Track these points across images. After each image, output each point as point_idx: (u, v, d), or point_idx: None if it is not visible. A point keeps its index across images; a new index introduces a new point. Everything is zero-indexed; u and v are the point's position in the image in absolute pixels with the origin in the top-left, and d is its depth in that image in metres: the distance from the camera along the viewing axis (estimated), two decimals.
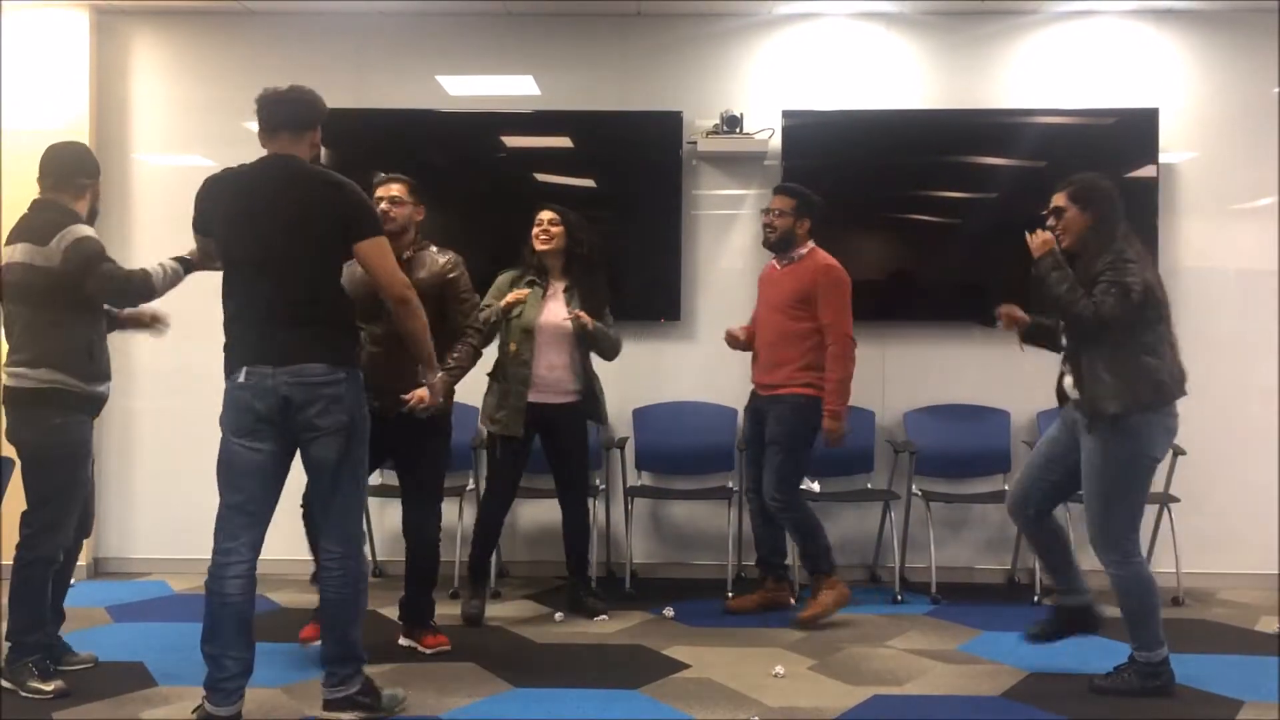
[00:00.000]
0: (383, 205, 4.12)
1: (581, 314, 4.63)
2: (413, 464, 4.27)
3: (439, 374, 3.71)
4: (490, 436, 4.74)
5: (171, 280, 3.81)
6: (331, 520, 3.44)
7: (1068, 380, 3.86)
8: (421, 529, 4.28)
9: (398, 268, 3.43)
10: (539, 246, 4.70)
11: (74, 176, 3.88)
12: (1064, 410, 3.95)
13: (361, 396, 3.39)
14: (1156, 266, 3.77)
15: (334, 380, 3.28)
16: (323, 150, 5.52)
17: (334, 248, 3.32)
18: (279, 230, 3.29)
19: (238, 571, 3.31)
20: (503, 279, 4.77)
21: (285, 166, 3.38)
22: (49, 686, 3.68)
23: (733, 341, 4.90)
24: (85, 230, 3.75)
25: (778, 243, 4.76)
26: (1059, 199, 3.85)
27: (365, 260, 3.32)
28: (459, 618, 4.64)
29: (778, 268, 4.82)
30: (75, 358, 3.70)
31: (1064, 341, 3.88)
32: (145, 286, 3.76)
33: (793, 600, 4.97)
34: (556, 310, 4.68)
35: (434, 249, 4.29)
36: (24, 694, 3.66)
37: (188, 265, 3.83)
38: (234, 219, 3.37)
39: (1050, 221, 3.85)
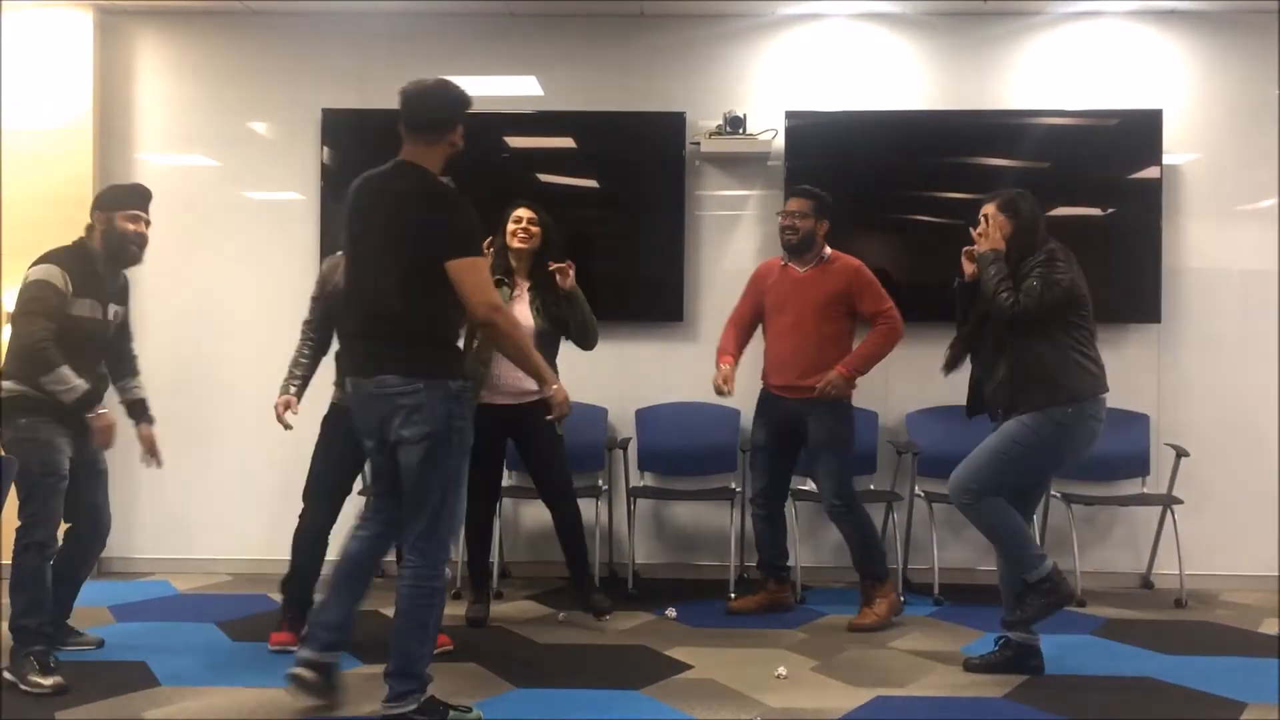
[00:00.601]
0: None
1: (569, 271, 4.55)
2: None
3: (556, 384, 3.68)
4: None
5: (54, 385, 3.82)
6: (414, 529, 3.36)
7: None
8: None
9: (485, 288, 3.34)
10: (515, 244, 4.58)
11: (93, 210, 4.06)
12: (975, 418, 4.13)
13: (453, 408, 3.32)
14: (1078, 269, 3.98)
15: (410, 391, 3.27)
16: (326, 150, 5.60)
17: (423, 263, 3.27)
18: (372, 243, 3.36)
19: (359, 535, 3.57)
20: None
21: (397, 176, 3.40)
22: (48, 681, 3.73)
23: (720, 388, 4.76)
24: (39, 273, 3.89)
25: (799, 244, 4.75)
26: (987, 209, 4.05)
27: (453, 279, 3.26)
28: (461, 619, 4.63)
29: (798, 270, 4.79)
30: (34, 372, 3.83)
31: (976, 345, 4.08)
32: (31, 354, 3.83)
33: (793, 602, 4.98)
34: (522, 312, 4.53)
35: None
36: (24, 687, 3.72)
37: (77, 403, 3.85)
38: (346, 227, 3.48)
39: (979, 229, 4.05)
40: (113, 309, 4.11)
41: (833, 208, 4.80)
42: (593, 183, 5.74)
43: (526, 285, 4.64)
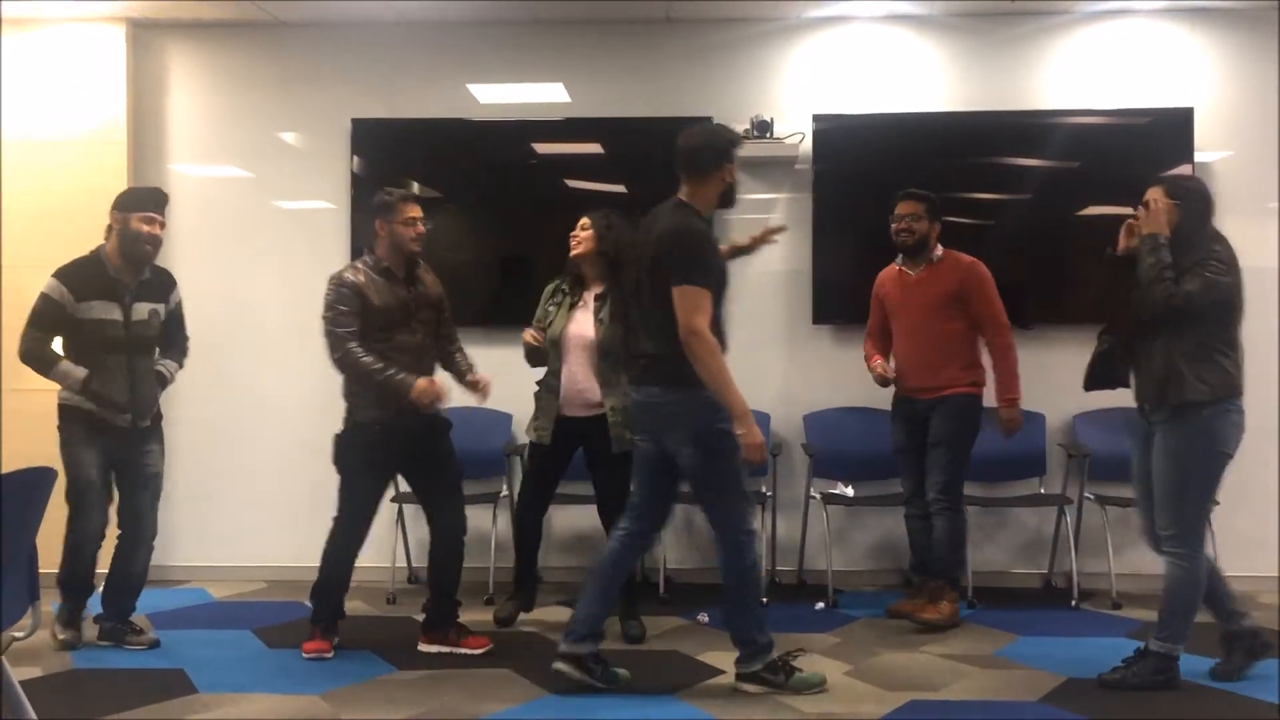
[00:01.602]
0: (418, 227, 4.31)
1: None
2: (443, 467, 4.37)
3: (745, 426, 3.65)
4: (529, 444, 4.73)
5: (59, 380, 4.28)
6: (711, 524, 3.87)
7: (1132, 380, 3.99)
8: (461, 528, 4.40)
9: (689, 313, 3.60)
10: (571, 254, 4.62)
11: (111, 210, 4.35)
12: (1131, 426, 4.07)
13: (713, 412, 3.64)
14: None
15: (669, 400, 3.70)
16: (355, 160, 5.65)
17: (666, 288, 3.65)
18: (642, 269, 3.80)
19: (619, 533, 3.93)
20: (547, 290, 4.70)
21: (664, 212, 3.82)
22: (62, 635, 4.33)
23: (878, 379, 4.84)
24: (44, 286, 4.26)
25: (915, 246, 4.78)
26: (1152, 192, 3.90)
27: (674, 302, 3.62)
28: (488, 622, 4.67)
29: (910, 273, 4.82)
30: (87, 393, 4.26)
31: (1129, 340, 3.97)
32: (28, 359, 4.27)
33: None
34: (583, 320, 4.52)
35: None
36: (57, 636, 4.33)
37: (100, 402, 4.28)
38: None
39: (1138, 212, 3.91)
40: (146, 307, 4.34)
41: (942, 209, 4.86)
42: (620, 188, 5.75)
43: (594, 293, 4.57)
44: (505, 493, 5.38)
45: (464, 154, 5.67)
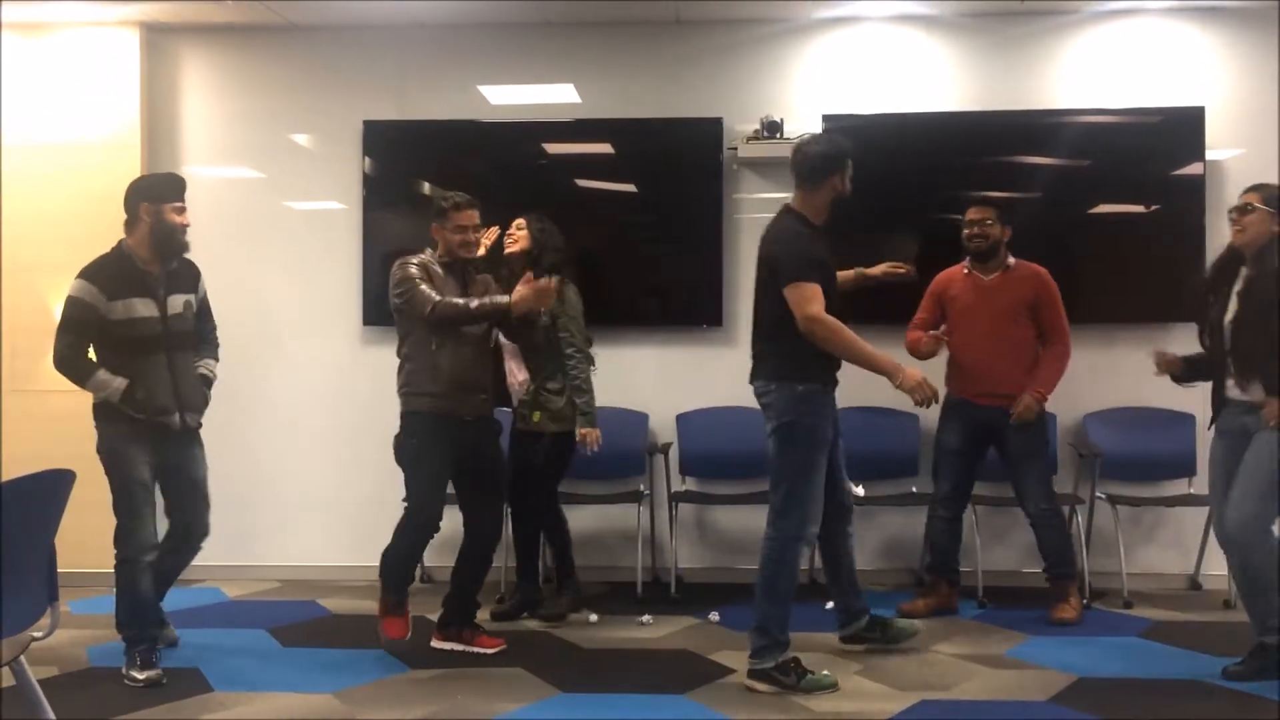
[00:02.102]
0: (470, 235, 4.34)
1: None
2: (489, 470, 4.41)
3: (900, 373, 3.96)
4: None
5: (96, 390, 4.04)
6: (773, 507, 4.01)
7: (1230, 384, 4.03)
8: (497, 535, 4.47)
9: (802, 305, 3.84)
10: (505, 249, 4.75)
11: (125, 212, 4.14)
12: (1223, 421, 4.10)
13: (800, 405, 3.90)
14: None
15: (768, 391, 3.97)
16: (367, 161, 5.68)
17: (774, 288, 3.93)
18: (758, 271, 4.08)
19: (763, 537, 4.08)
20: None
21: (775, 219, 4.10)
22: (142, 676, 3.97)
23: (930, 346, 4.86)
24: (71, 290, 4.03)
25: (987, 251, 4.82)
26: (1250, 197, 3.97)
27: (789, 301, 3.89)
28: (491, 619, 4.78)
29: (983, 278, 4.85)
30: (128, 396, 4.02)
31: (1229, 342, 4.02)
32: (64, 367, 4.06)
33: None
34: None
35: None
36: (125, 681, 3.97)
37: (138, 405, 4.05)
38: None
39: (1233, 216, 4.00)
40: (180, 300, 4.16)
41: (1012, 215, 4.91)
42: (631, 188, 5.77)
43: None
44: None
45: (475, 155, 5.69)
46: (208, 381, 4.32)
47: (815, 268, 3.91)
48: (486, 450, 4.39)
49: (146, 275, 4.08)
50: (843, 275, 4.30)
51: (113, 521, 4.09)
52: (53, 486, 2.70)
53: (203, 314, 4.35)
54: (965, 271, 4.91)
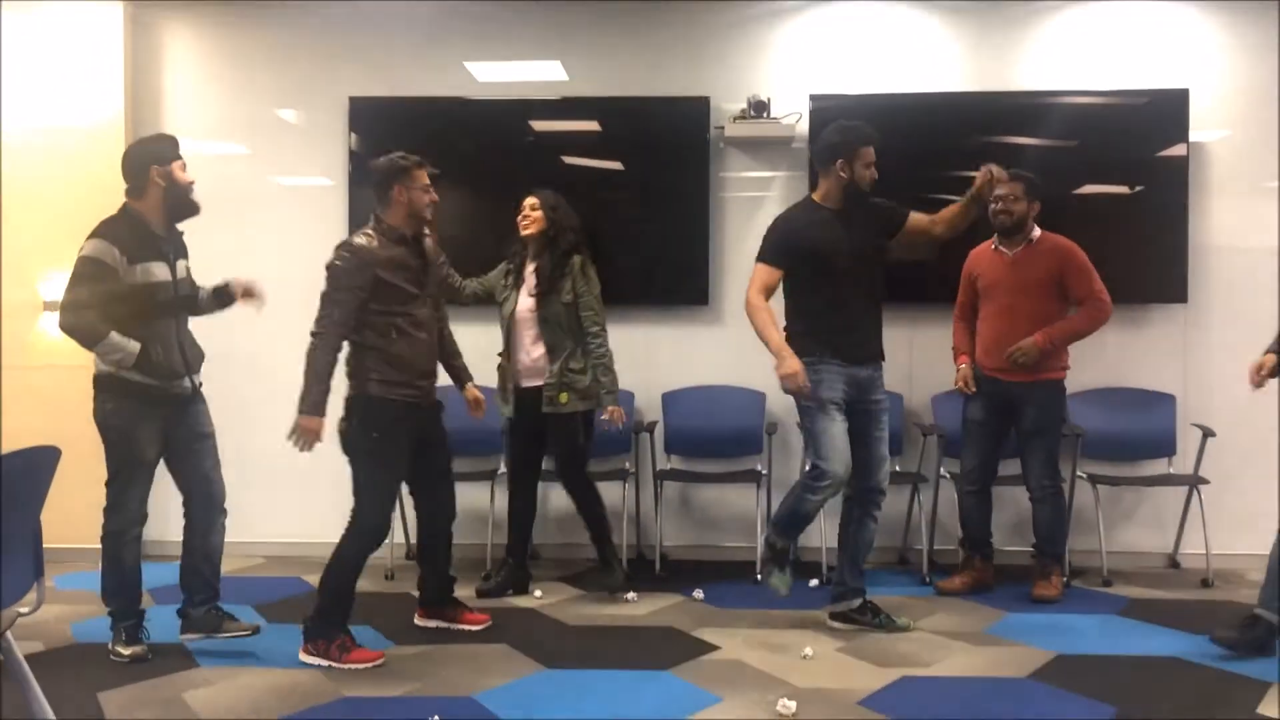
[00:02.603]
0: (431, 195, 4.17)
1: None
2: (443, 446, 4.35)
3: (784, 361, 4.19)
4: (507, 420, 4.88)
5: (108, 354, 3.89)
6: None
7: None
8: (452, 513, 4.40)
9: (751, 286, 4.23)
10: (520, 232, 4.79)
11: (128, 179, 4.03)
12: None
13: (812, 377, 4.18)
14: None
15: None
16: (353, 137, 5.66)
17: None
18: None
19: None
20: (500, 269, 4.91)
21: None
22: (127, 651, 3.98)
23: (970, 383, 4.92)
24: (86, 249, 3.87)
25: (1013, 227, 4.79)
26: None
27: None
28: (475, 596, 4.79)
29: (1007, 253, 4.83)
30: (143, 361, 3.90)
31: None
32: (74, 330, 3.87)
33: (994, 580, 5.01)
34: (526, 297, 4.78)
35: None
36: (111, 656, 3.99)
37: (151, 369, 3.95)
38: None
39: None
40: (183, 265, 4.15)
41: (1043, 188, 4.85)
42: (618, 166, 5.77)
43: (532, 269, 4.81)
44: (502, 470, 5.41)
45: (461, 132, 5.68)
46: (205, 293, 4.27)
47: (776, 250, 4.29)
48: (438, 433, 4.26)
49: (161, 240, 4.03)
50: (951, 209, 4.32)
51: (98, 497, 4.06)
52: (38, 463, 2.70)
53: (190, 279, 4.26)
54: (993, 247, 4.90)
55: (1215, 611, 4.62)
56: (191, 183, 4.07)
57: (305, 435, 3.91)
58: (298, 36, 5.77)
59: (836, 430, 4.21)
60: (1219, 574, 5.16)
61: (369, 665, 3.92)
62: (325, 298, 3.97)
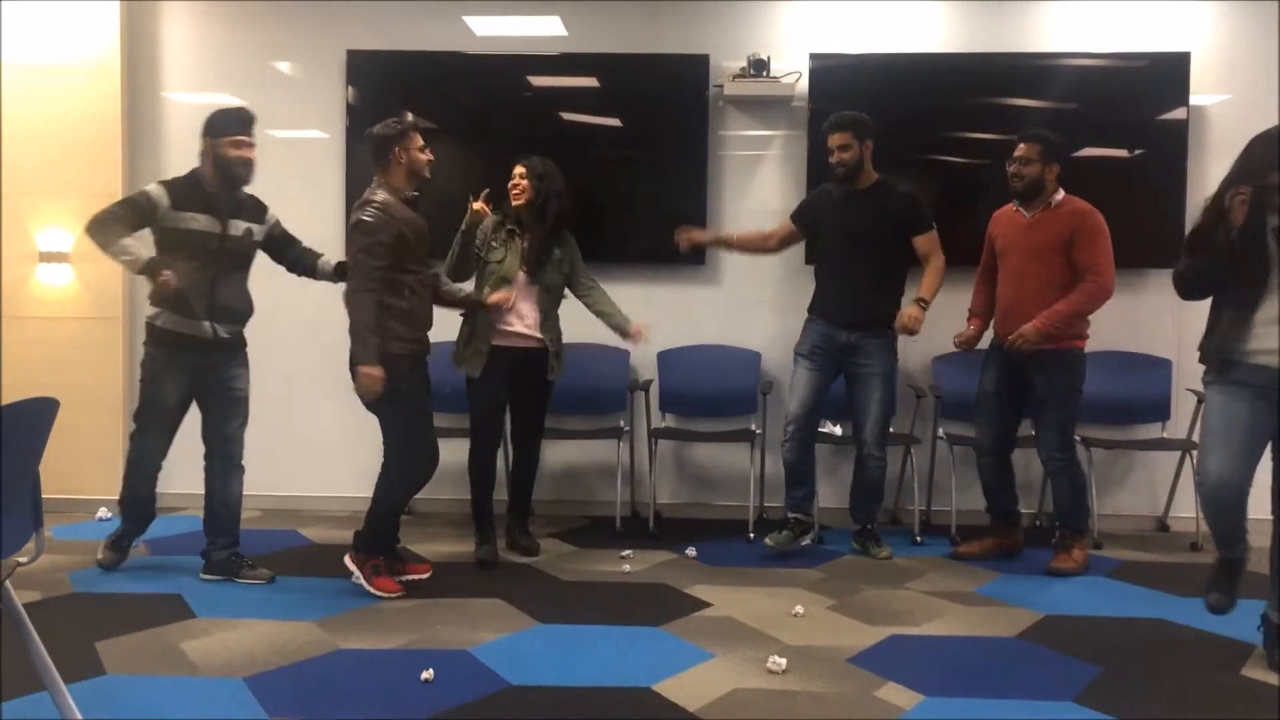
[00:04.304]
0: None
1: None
2: (430, 397, 4.46)
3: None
4: (467, 379, 4.75)
5: (119, 255, 4.21)
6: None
7: (1263, 339, 3.44)
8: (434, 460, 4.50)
9: None
10: (512, 201, 4.73)
11: (202, 137, 4.39)
12: (1241, 375, 3.50)
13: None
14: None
15: None
16: (351, 91, 5.62)
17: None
18: None
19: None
20: (490, 222, 4.72)
21: None
22: (101, 554, 4.53)
23: (969, 344, 4.87)
24: (149, 187, 4.32)
25: (1025, 191, 4.67)
26: None
27: None
28: (468, 557, 4.79)
29: (1024, 216, 4.71)
30: (166, 299, 4.25)
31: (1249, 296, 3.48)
32: (94, 227, 4.22)
33: (1023, 546, 4.97)
34: (513, 263, 4.72)
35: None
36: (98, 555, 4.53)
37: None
38: None
39: None
40: (242, 225, 4.41)
41: (1065, 149, 4.75)
42: (616, 123, 5.74)
43: (526, 237, 4.77)
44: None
45: (459, 87, 5.64)
46: (326, 265, 4.60)
47: (796, 210, 5.07)
48: (429, 385, 4.43)
49: (214, 197, 4.33)
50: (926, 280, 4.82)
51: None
52: (37, 414, 2.70)
53: (285, 238, 4.62)
54: (1014, 209, 4.79)
55: (1203, 574, 4.63)
56: (241, 158, 4.34)
57: (371, 384, 4.09)
58: None
59: (798, 379, 4.90)
60: (1207, 538, 5.16)
61: (387, 595, 4.20)
62: (362, 253, 4.11)
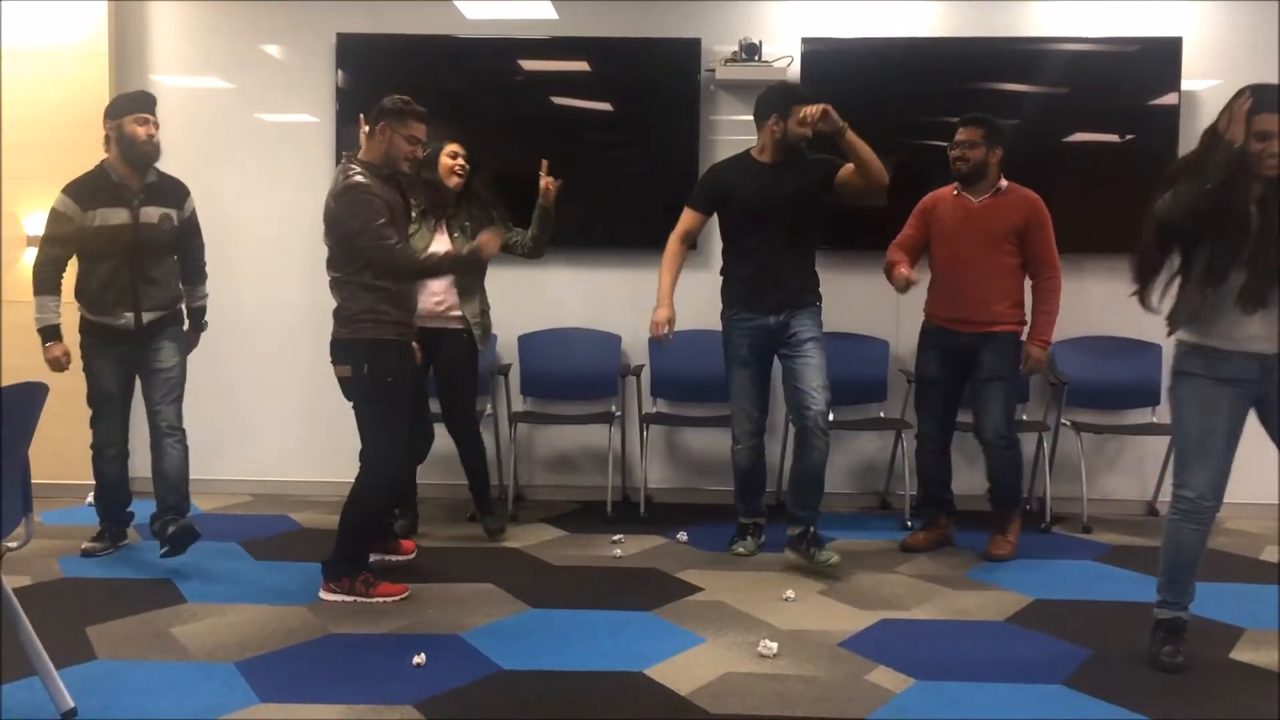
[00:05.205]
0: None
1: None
2: (423, 382, 4.48)
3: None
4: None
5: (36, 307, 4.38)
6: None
7: (1255, 328, 3.40)
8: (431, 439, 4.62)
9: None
10: (453, 183, 4.69)
11: (105, 120, 4.39)
12: (1229, 366, 3.47)
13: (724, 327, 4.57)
14: None
15: None
16: (340, 74, 5.60)
17: None
18: None
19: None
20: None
21: None
22: (85, 545, 4.53)
23: (903, 283, 4.63)
24: (55, 202, 4.32)
25: (969, 175, 4.63)
26: None
27: None
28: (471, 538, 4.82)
29: (971, 200, 4.66)
30: (82, 292, 4.39)
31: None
32: (32, 276, 4.39)
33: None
34: (442, 240, 4.69)
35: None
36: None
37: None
38: None
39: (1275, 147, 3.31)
40: (156, 212, 4.39)
41: (1008, 133, 4.71)
42: (607, 107, 5.72)
43: (450, 215, 4.76)
44: (490, 412, 5.44)
45: (450, 70, 5.61)
46: (203, 312, 4.71)
47: (698, 196, 4.67)
48: (416, 372, 4.38)
49: (121, 187, 4.33)
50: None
51: (85, 433, 4.43)
52: (26, 398, 2.70)
53: (189, 231, 4.58)
54: (954, 193, 4.73)
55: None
56: (144, 134, 4.32)
57: (488, 248, 4.07)
58: None
59: (736, 385, 4.63)
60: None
61: (396, 598, 4.00)
62: (364, 220, 3.85)
